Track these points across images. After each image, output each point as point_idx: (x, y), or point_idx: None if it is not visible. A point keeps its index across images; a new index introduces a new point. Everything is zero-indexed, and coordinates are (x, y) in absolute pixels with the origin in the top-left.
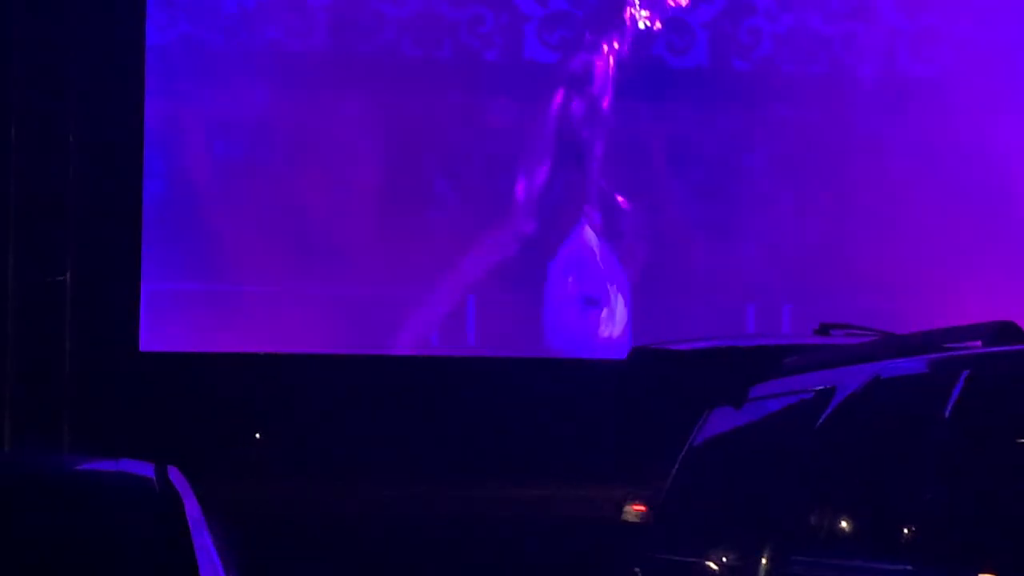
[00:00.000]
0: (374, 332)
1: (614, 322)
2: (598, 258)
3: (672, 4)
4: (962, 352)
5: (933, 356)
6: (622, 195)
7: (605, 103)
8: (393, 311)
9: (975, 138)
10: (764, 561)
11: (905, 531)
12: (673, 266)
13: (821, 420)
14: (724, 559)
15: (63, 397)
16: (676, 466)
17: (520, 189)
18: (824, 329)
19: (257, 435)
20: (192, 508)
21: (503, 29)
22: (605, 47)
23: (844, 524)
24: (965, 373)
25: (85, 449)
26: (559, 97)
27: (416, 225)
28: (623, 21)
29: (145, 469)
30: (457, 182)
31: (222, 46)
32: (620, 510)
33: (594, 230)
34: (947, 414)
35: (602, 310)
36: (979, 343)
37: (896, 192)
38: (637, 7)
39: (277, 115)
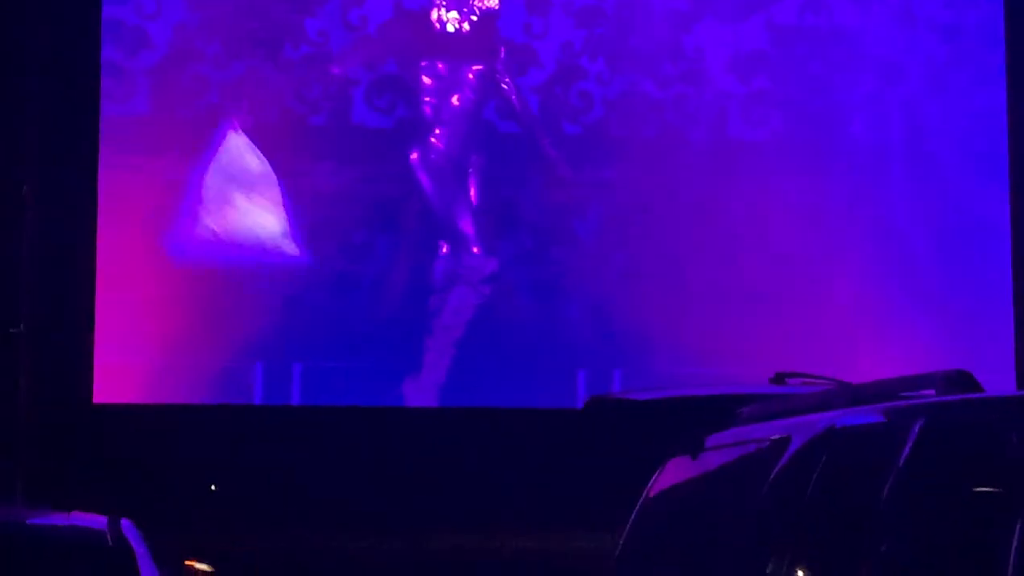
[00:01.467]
0: (330, 384)
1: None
2: (430, 309)
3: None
4: (916, 401)
5: (888, 405)
6: (451, 256)
7: (437, 164)
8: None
9: (805, 200)
10: None
11: None
12: (505, 329)
13: (776, 470)
14: None
15: (17, 449)
16: (633, 516)
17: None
18: (780, 378)
19: (212, 487)
20: (145, 561)
21: (331, 96)
22: (434, 110)
23: (800, 574)
24: (920, 422)
25: (39, 502)
26: (389, 160)
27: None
28: (456, 84)
29: (98, 522)
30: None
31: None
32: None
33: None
34: (902, 463)
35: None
36: (933, 392)
37: (727, 254)
38: (470, 73)
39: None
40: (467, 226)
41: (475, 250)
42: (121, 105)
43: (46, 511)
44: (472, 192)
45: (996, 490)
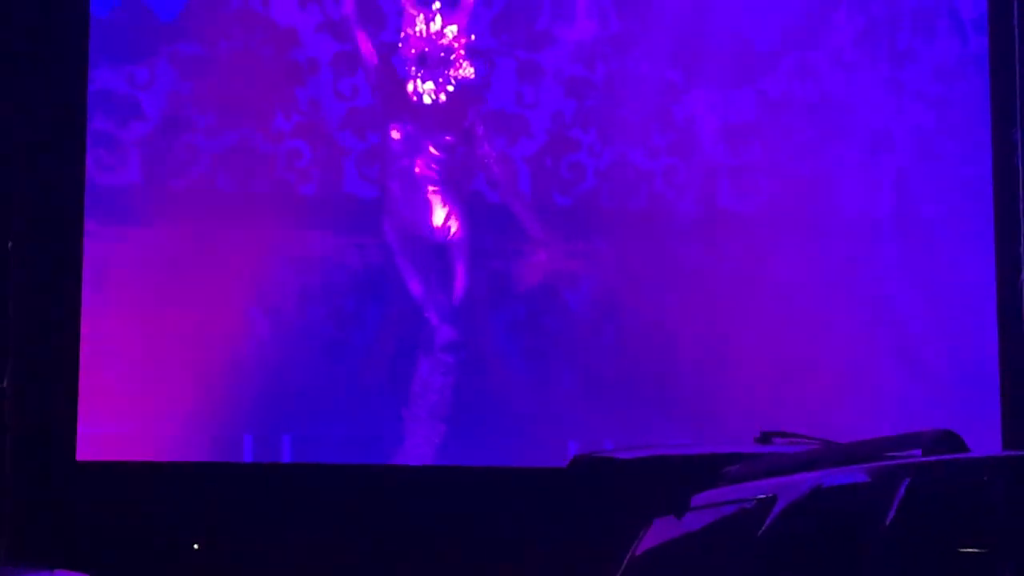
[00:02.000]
0: (320, 451)
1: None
2: (419, 379)
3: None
4: (902, 461)
5: (874, 465)
6: (442, 325)
7: (427, 233)
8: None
9: (795, 268)
10: None
11: None
12: (496, 398)
13: (763, 529)
14: None
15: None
16: (619, 575)
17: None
18: (765, 437)
19: (195, 546)
20: None
21: (321, 165)
22: (425, 180)
23: None
24: (906, 482)
25: (22, 560)
26: (379, 229)
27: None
28: (447, 153)
29: None
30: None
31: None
32: None
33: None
34: (888, 522)
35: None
36: (919, 452)
37: (717, 323)
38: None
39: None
40: (458, 295)
41: (466, 319)
42: (112, 174)
43: (29, 569)
44: (463, 262)
45: (981, 550)
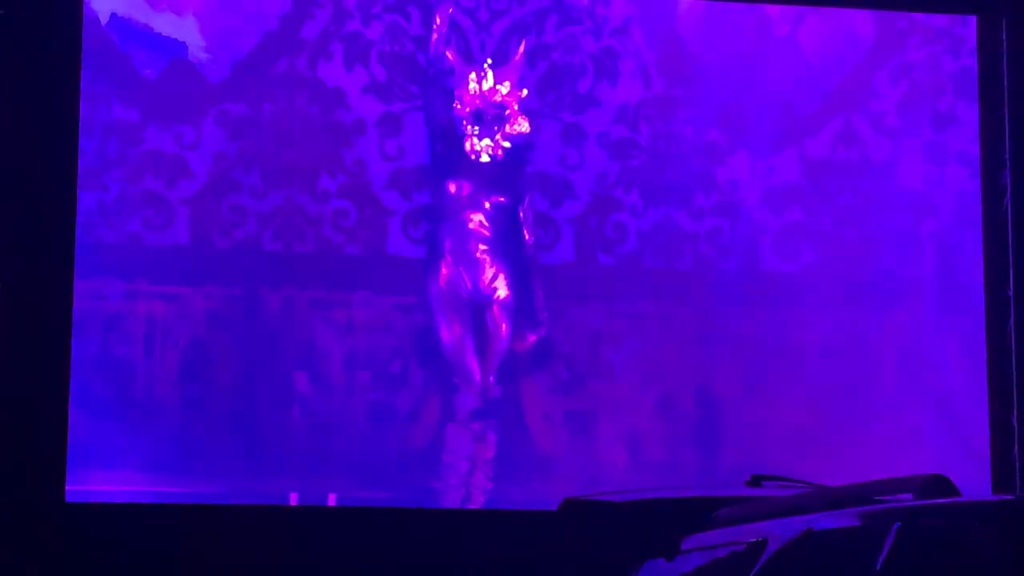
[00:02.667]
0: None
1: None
2: (462, 440)
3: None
4: (893, 505)
5: (864, 508)
6: (486, 386)
7: (472, 294)
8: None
9: (838, 331)
10: None
11: None
12: (539, 461)
13: (753, 572)
14: None
15: None
16: None
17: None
18: (756, 480)
19: None
20: None
21: (367, 226)
22: (469, 241)
23: None
24: (896, 526)
25: None
26: (424, 290)
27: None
28: (491, 213)
29: None
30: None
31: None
32: None
33: (455, 420)
34: (879, 567)
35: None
36: (910, 496)
37: (760, 386)
38: (504, 201)
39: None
40: (502, 357)
41: (510, 381)
42: (160, 234)
43: None
44: (507, 323)
45: None
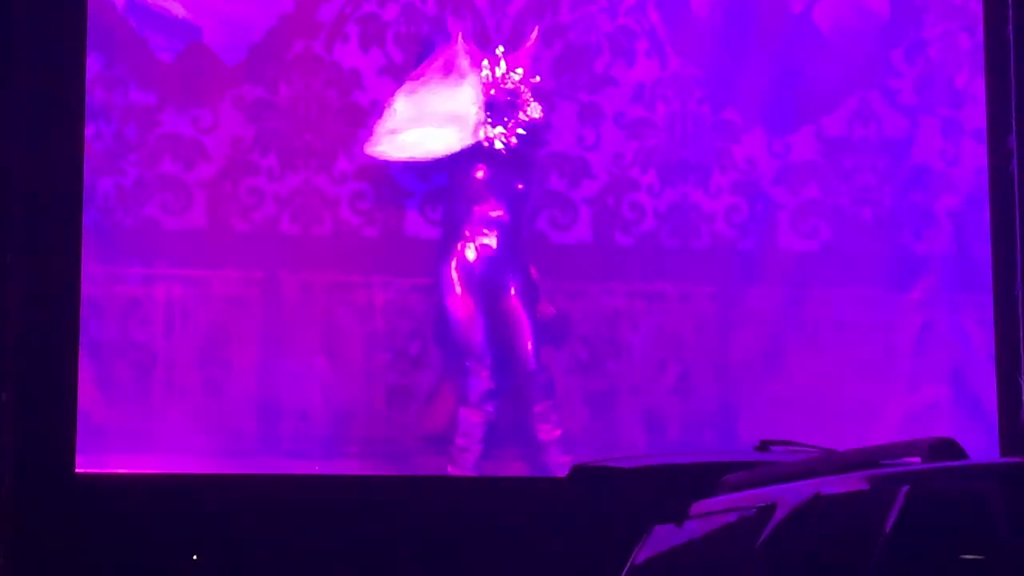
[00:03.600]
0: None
1: None
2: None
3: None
4: (901, 468)
5: (873, 472)
6: (503, 368)
7: (489, 275)
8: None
9: (856, 309)
10: None
11: None
12: (558, 441)
13: (762, 537)
14: None
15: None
16: None
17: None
18: (764, 446)
19: (195, 556)
20: None
21: (385, 207)
22: (487, 221)
23: None
24: (905, 489)
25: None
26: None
27: None
28: (508, 194)
29: None
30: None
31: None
32: None
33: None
34: (887, 530)
35: None
36: (918, 459)
37: (778, 365)
38: (521, 183)
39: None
40: (522, 338)
41: (529, 361)
42: (177, 217)
43: None
44: (524, 303)
45: (982, 557)
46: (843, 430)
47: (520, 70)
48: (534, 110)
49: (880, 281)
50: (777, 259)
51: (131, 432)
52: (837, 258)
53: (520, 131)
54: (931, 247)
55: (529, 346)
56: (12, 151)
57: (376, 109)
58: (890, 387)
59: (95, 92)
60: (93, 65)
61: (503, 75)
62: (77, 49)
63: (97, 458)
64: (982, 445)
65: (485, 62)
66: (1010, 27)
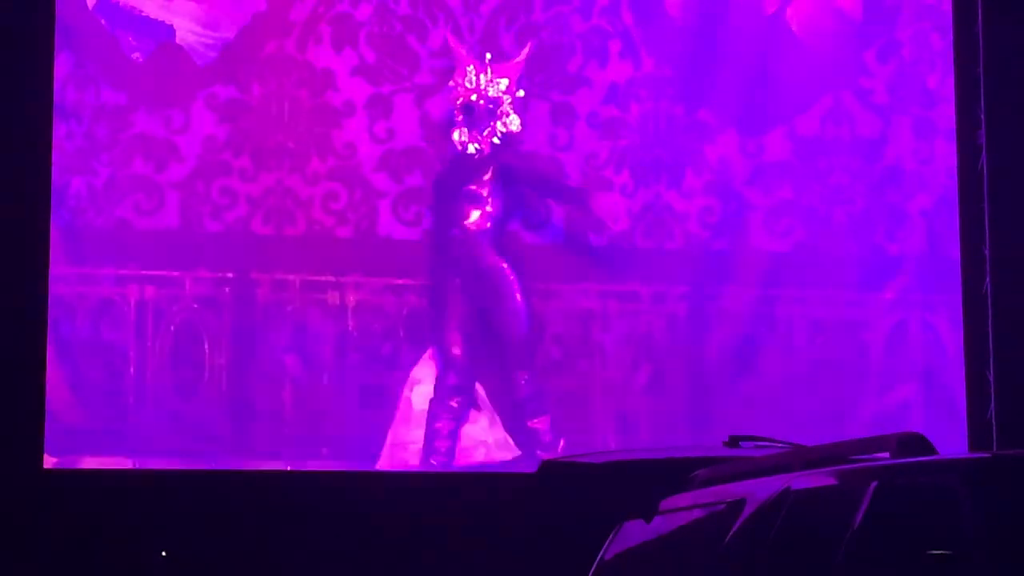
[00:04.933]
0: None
1: None
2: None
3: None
4: (870, 464)
5: (842, 468)
6: (474, 368)
7: (462, 277)
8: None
9: (828, 309)
10: None
11: None
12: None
13: (731, 532)
14: None
15: None
16: None
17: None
18: (734, 441)
19: (163, 553)
20: None
21: (357, 208)
22: (460, 221)
23: None
24: (874, 484)
25: None
26: (415, 272)
27: None
28: (481, 195)
29: None
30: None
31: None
32: None
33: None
34: (856, 525)
35: None
36: (887, 455)
37: (751, 365)
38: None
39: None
40: (494, 339)
41: (499, 363)
42: (149, 218)
43: None
44: (501, 302)
45: (950, 552)
46: (816, 429)
47: (506, 80)
48: (512, 122)
49: (853, 281)
50: (750, 259)
51: (103, 433)
52: (810, 258)
53: (495, 140)
54: (904, 247)
55: (510, 344)
56: None
57: (349, 109)
58: (863, 386)
59: (66, 91)
60: (64, 64)
61: (487, 83)
62: (46, 47)
63: (70, 459)
64: (954, 442)
65: (471, 67)
66: (979, 24)
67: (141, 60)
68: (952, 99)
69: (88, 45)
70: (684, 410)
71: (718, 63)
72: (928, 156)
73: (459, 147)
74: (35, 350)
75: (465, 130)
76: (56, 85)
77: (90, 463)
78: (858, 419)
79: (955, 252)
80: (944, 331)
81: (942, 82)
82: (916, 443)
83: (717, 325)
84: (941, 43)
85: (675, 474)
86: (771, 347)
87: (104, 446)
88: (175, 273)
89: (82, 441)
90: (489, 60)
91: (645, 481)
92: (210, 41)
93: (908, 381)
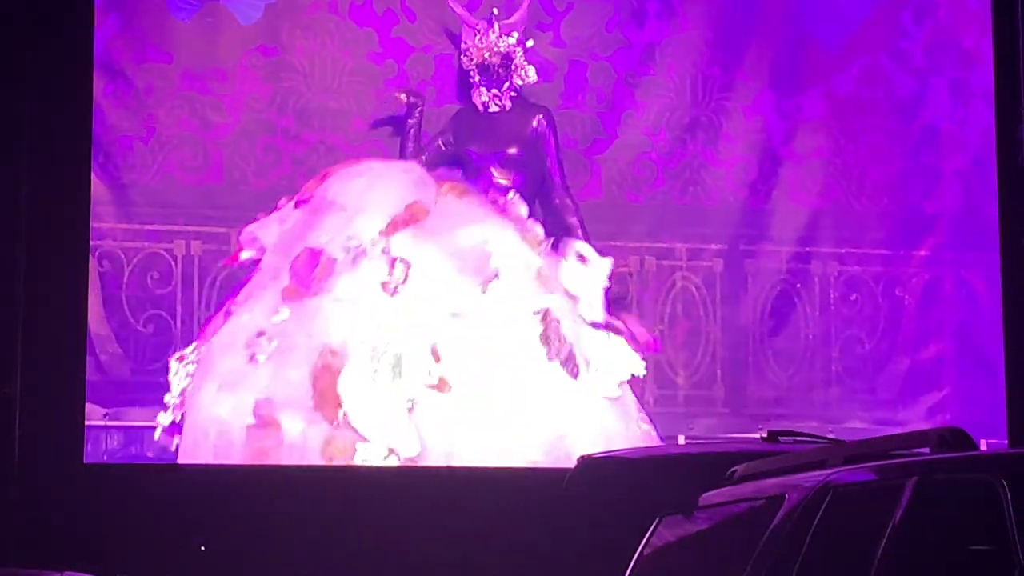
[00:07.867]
0: None
1: None
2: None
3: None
4: (910, 459)
5: (882, 463)
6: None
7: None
8: None
9: (863, 268)
10: None
11: None
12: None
13: (770, 528)
14: None
15: (9, 511)
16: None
17: None
18: (773, 437)
19: (202, 547)
20: None
21: None
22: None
23: None
24: (914, 479)
25: (30, 563)
26: None
27: None
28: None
29: None
30: None
31: None
32: None
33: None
34: (897, 521)
35: None
36: (927, 449)
37: (791, 322)
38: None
39: None
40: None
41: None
42: (195, 175)
43: (38, 571)
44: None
45: (992, 548)
46: (851, 386)
47: (515, 34)
48: (529, 73)
49: (888, 239)
50: (785, 217)
51: (150, 386)
52: (846, 217)
53: (513, 94)
54: (939, 206)
55: None
56: (20, 148)
57: (390, 69)
58: (896, 342)
59: (113, 51)
60: (112, 25)
61: (496, 39)
62: (86, 8)
63: (116, 411)
64: (986, 400)
65: (479, 27)
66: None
67: (186, 21)
68: (988, 60)
69: (136, 6)
70: (720, 366)
71: (754, 24)
72: (963, 116)
73: (481, 108)
74: (77, 346)
75: (484, 89)
76: (104, 46)
77: (137, 416)
78: (892, 374)
79: (990, 211)
80: (978, 288)
81: (978, 43)
82: (956, 438)
83: (753, 281)
84: (977, 4)
85: (714, 469)
86: (806, 304)
87: (150, 400)
88: (221, 229)
89: (129, 394)
90: (495, 16)
91: (684, 476)
92: (254, 1)
93: (942, 338)
